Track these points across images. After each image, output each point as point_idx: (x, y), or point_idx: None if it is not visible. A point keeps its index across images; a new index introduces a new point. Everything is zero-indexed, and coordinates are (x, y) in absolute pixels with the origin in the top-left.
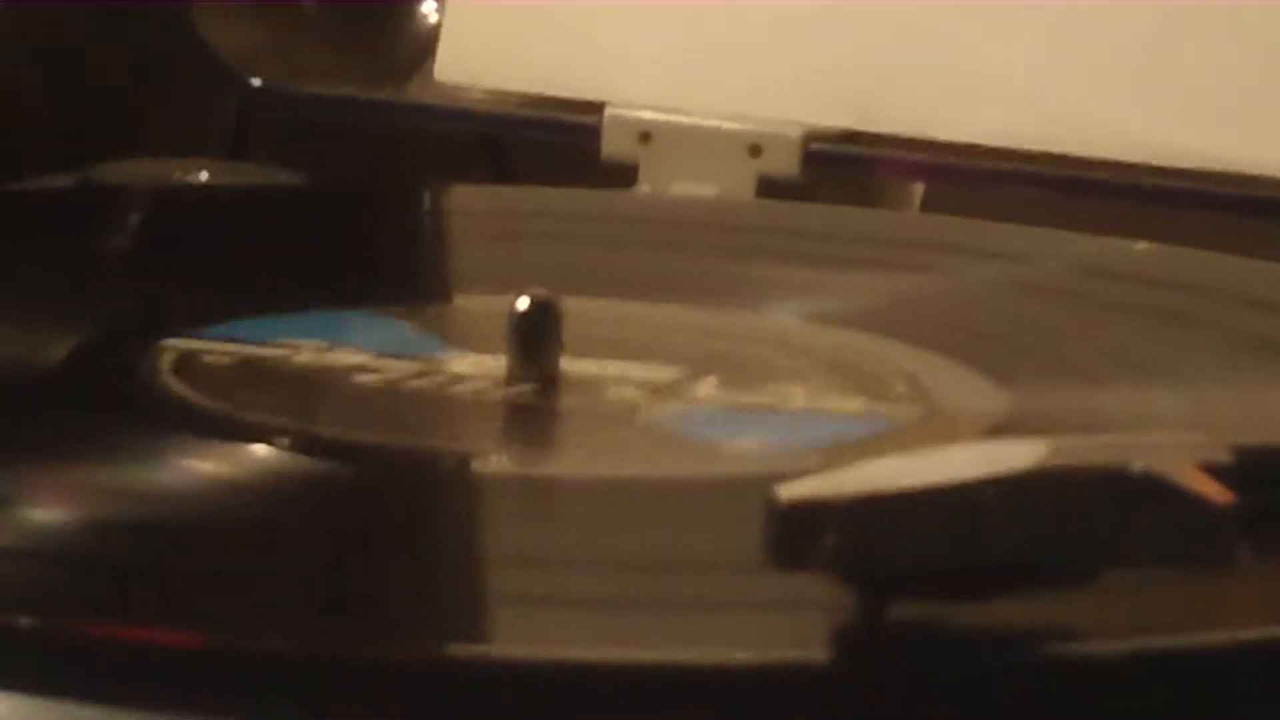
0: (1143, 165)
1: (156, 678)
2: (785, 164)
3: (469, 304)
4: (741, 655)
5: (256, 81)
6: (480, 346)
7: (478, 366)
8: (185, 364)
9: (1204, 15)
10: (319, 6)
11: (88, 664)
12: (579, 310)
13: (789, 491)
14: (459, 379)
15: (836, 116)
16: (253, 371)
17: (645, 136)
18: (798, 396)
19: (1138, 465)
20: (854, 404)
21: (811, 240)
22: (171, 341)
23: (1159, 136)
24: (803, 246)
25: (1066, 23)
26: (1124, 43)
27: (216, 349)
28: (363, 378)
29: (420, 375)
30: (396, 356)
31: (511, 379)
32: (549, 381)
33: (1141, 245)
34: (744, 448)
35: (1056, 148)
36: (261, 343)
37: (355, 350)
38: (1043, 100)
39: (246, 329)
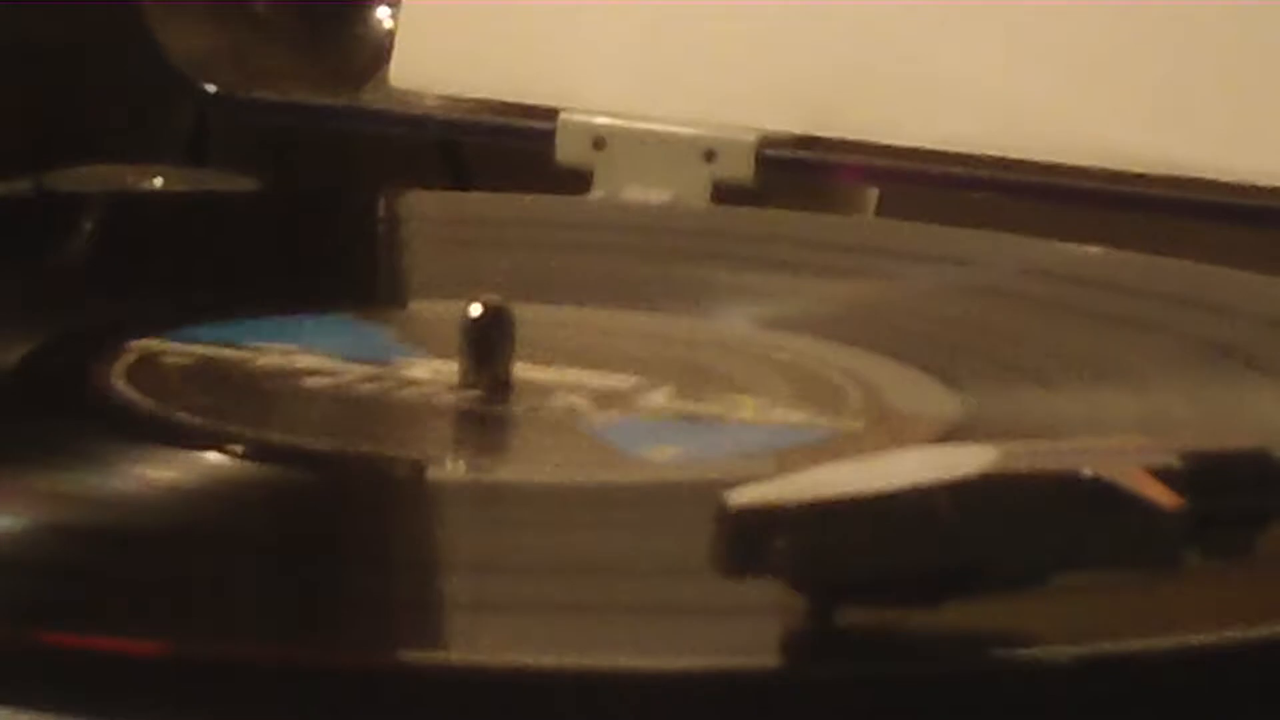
0: (1099, 170)
1: (106, 685)
2: (740, 169)
3: (424, 309)
4: (692, 661)
5: (212, 88)
6: (434, 351)
7: (431, 372)
8: (140, 370)
9: (1160, 20)
10: (275, 12)
11: (41, 672)
12: (533, 316)
13: (739, 498)
14: (412, 384)
15: (791, 122)
16: (207, 377)
17: (600, 142)
18: (748, 405)
19: (1088, 470)
20: (801, 415)
21: (766, 245)
22: (127, 346)
23: (1115, 141)
24: (757, 252)
25: (1022, 28)
26: (1080, 48)
27: (171, 352)
28: (316, 382)
29: (373, 380)
30: (351, 360)
31: (464, 385)
32: (501, 388)
33: (1094, 250)
34: (658, 458)
35: (1012, 152)
36: (217, 344)
37: (310, 353)
38: (998, 105)
39: (202, 332)
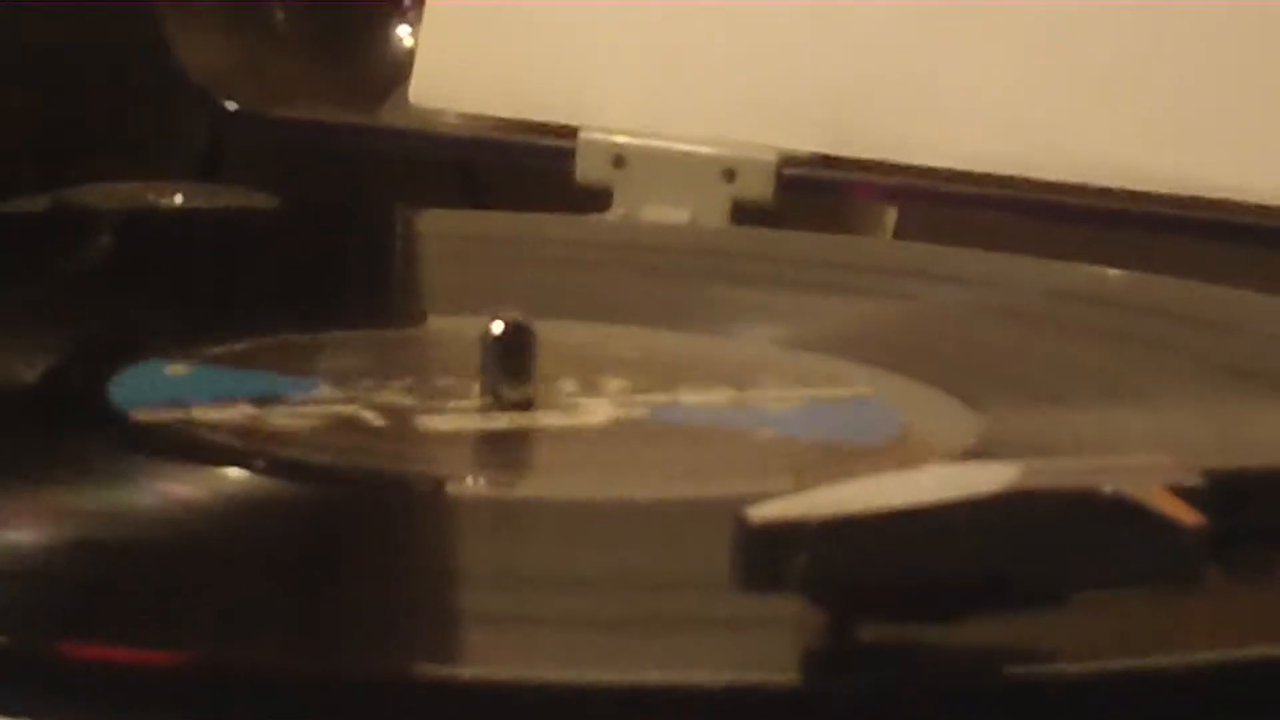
0: (1117, 190)
1: (124, 697)
2: (759, 188)
3: (442, 327)
4: (712, 676)
5: (231, 105)
6: (454, 370)
7: (451, 390)
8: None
9: (1176, 40)
10: (294, 29)
11: (56, 683)
12: (553, 334)
13: (759, 513)
14: (433, 404)
15: (811, 141)
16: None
17: (619, 160)
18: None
19: (1108, 487)
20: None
21: (785, 266)
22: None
23: (1133, 160)
24: (776, 272)
25: (1041, 47)
26: (1099, 67)
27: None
28: (336, 407)
29: (393, 398)
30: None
31: (485, 402)
32: (523, 404)
33: (1114, 272)
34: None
35: (1031, 172)
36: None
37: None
38: (1017, 124)
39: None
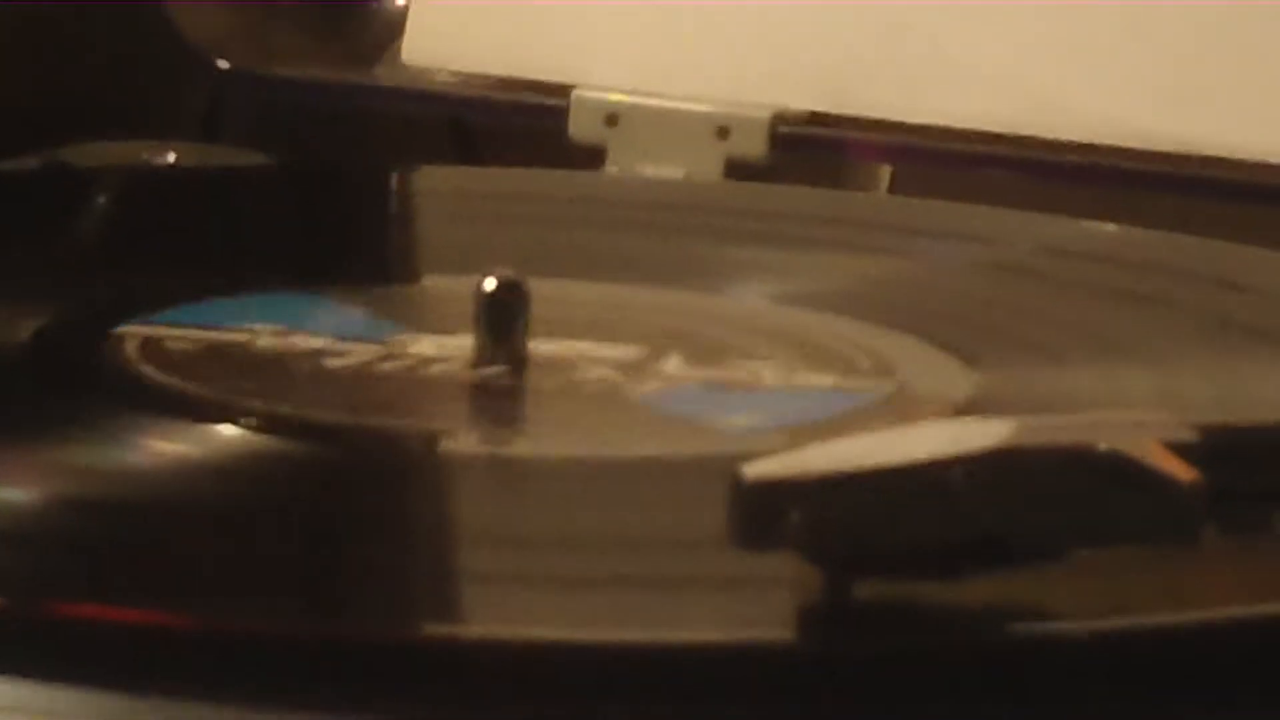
0: (1114, 148)
1: (127, 658)
2: (753, 146)
3: (436, 284)
4: (708, 635)
5: (226, 65)
6: (447, 327)
7: (445, 347)
8: (152, 346)
9: None
10: None
11: (55, 644)
12: (546, 292)
13: (754, 470)
14: (426, 360)
15: (805, 99)
16: (219, 354)
17: (612, 119)
18: (766, 376)
19: (1104, 444)
20: (826, 379)
21: (779, 222)
22: (136, 325)
23: (1129, 119)
24: (770, 228)
25: (1038, 6)
26: (1095, 25)
27: (181, 334)
28: (330, 361)
29: (387, 357)
30: (360, 340)
31: (479, 359)
32: (517, 362)
33: (1109, 226)
34: (736, 425)
35: (1026, 130)
36: (224, 328)
37: (317, 335)
38: (1013, 83)
39: (208, 312)
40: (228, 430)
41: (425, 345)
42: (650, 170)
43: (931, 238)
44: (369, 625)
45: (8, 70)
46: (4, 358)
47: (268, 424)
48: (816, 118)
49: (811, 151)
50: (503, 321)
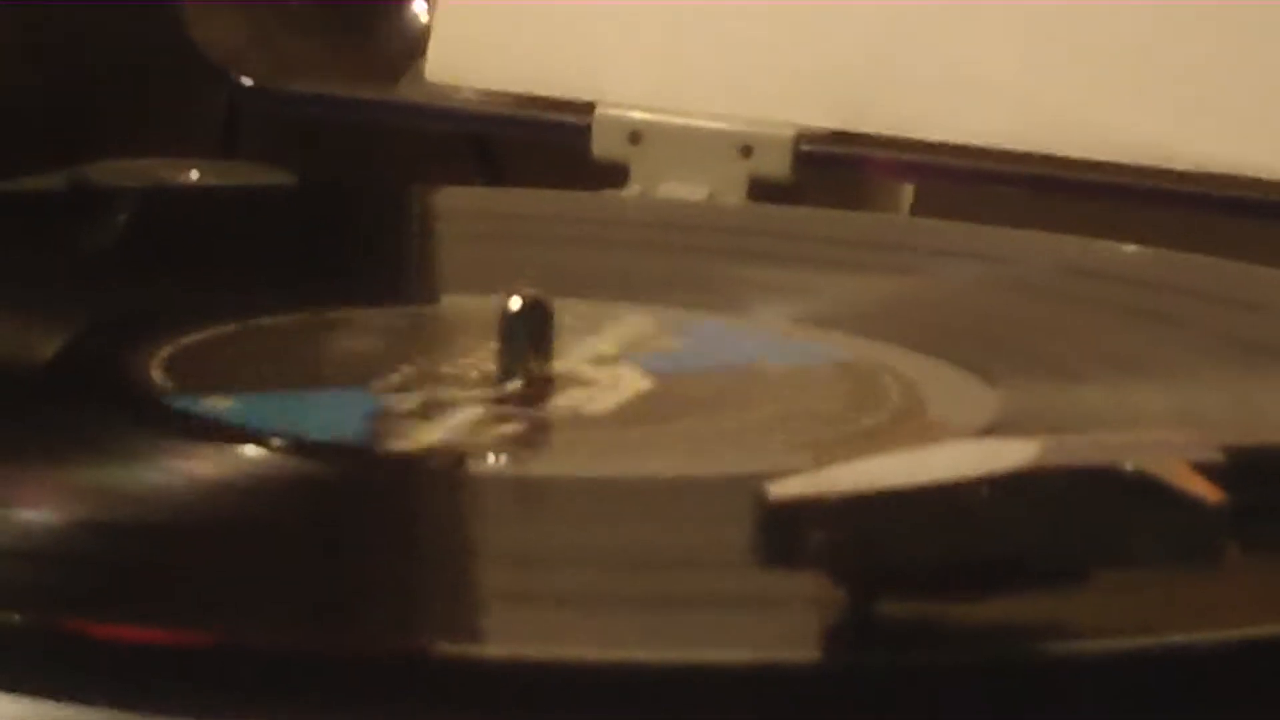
0: (1134, 166)
1: (141, 676)
2: (776, 165)
3: (459, 304)
4: (732, 654)
5: (247, 81)
6: (470, 346)
7: (467, 366)
8: (175, 363)
9: (1193, 16)
10: (309, 6)
11: (73, 661)
12: (570, 311)
13: (779, 490)
14: (449, 379)
15: (828, 117)
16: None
17: (636, 137)
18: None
19: (1129, 464)
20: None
21: (802, 242)
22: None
23: (1149, 138)
24: (793, 249)
25: (1057, 24)
26: (1114, 43)
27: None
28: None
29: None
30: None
31: (502, 378)
32: (540, 380)
33: (1130, 248)
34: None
35: (1047, 149)
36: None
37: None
38: (1034, 101)
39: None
40: (248, 449)
41: (448, 364)
42: (674, 187)
43: (953, 258)
44: (387, 643)
45: (25, 88)
46: (25, 375)
47: (287, 445)
48: (839, 136)
49: (834, 169)
50: (526, 340)
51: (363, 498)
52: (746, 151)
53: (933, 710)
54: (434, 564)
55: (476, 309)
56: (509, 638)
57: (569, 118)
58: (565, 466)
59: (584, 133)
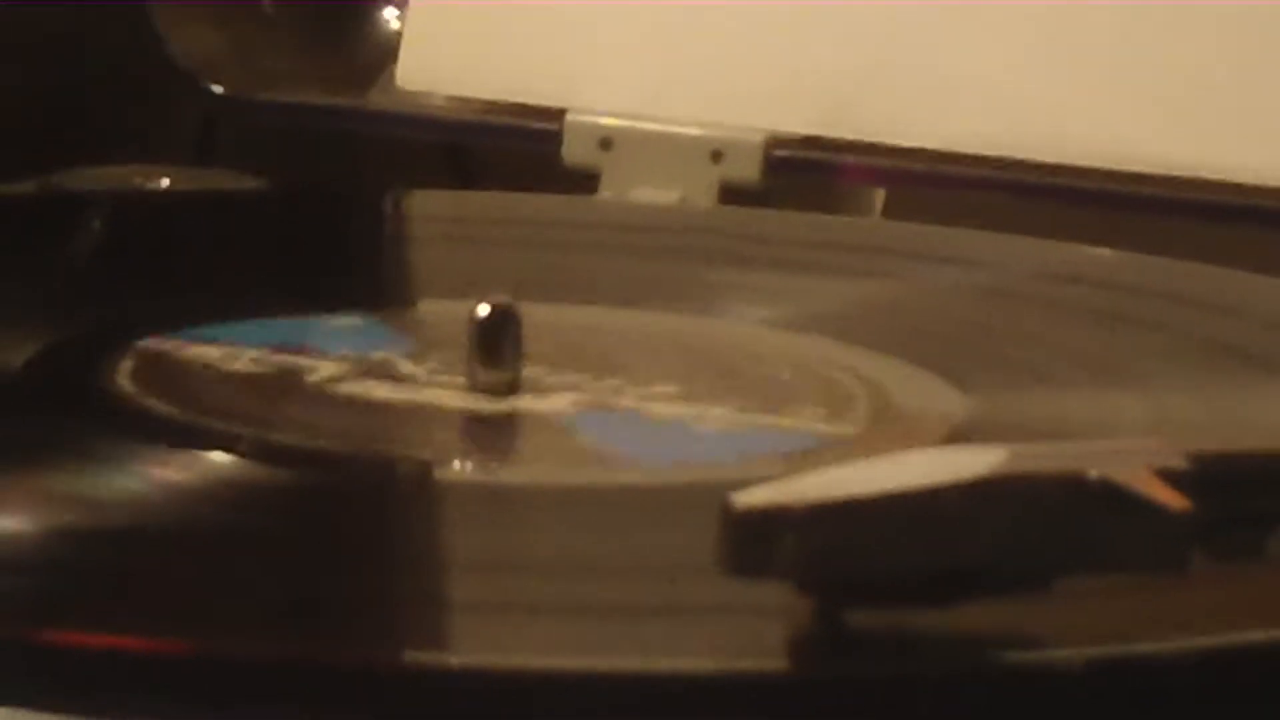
0: (1107, 171)
1: (120, 685)
2: (747, 170)
3: (430, 309)
4: (698, 663)
5: (219, 89)
6: (440, 352)
7: (437, 372)
8: (147, 370)
9: (1172, 21)
10: (281, 13)
11: (47, 671)
12: (540, 316)
13: (745, 498)
14: (419, 385)
15: (799, 123)
16: (215, 378)
17: (606, 143)
18: (753, 408)
19: (1095, 472)
20: (803, 419)
21: (773, 246)
22: (133, 346)
23: (1123, 142)
24: (764, 252)
25: (1032, 29)
26: (1088, 48)
27: (177, 353)
28: (322, 386)
29: (380, 381)
30: (356, 363)
31: (471, 385)
32: (510, 387)
33: (1102, 251)
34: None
35: (1020, 153)
36: (216, 342)
37: (313, 355)
38: (1006, 106)
39: (205, 333)
40: (221, 457)
41: (417, 370)
42: (645, 194)
43: (925, 262)
44: (360, 652)
45: (2, 95)
46: None
47: (260, 451)
48: (810, 141)
49: (805, 175)
50: (496, 347)
51: (334, 505)
52: (717, 157)
53: (901, 717)
54: (402, 573)
55: (448, 313)
56: (473, 648)
57: (540, 124)
58: (531, 474)
59: (555, 139)
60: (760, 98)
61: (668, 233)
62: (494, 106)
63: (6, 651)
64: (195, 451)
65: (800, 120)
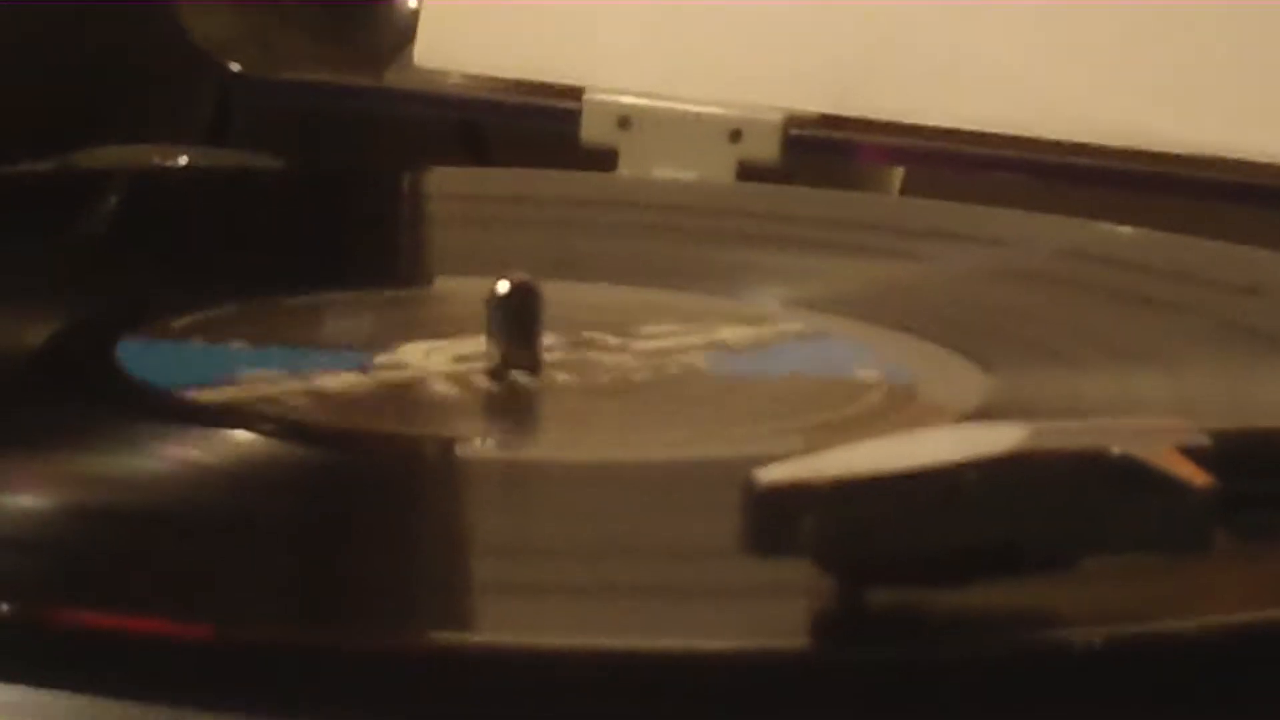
0: (1125, 150)
1: (134, 665)
2: (765, 149)
3: (448, 287)
4: (721, 642)
5: (236, 68)
6: (460, 330)
7: (457, 351)
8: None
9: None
10: None
11: (64, 651)
12: (559, 294)
13: (767, 476)
14: (438, 363)
15: (817, 101)
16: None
17: (625, 122)
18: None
19: (1117, 449)
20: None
21: (792, 224)
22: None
23: (1141, 121)
24: (783, 230)
25: (1050, 7)
26: (1107, 27)
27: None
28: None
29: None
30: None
31: (491, 363)
32: (530, 365)
33: (1123, 229)
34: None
35: (1038, 132)
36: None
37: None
38: (1025, 85)
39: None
40: (238, 435)
41: (437, 349)
42: (663, 173)
43: (945, 240)
44: (379, 633)
45: (17, 75)
46: (14, 363)
47: (279, 431)
48: (828, 120)
49: (823, 154)
50: (516, 324)
51: (355, 485)
52: (735, 136)
53: (921, 697)
54: (424, 552)
55: (468, 291)
56: (498, 627)
57: (558, 103)
58: (553, 451)
59: (573, 118)
60: (779, 77)
61: (686, 211)
62: (512, 85)
63: (23, 630)
64: (214, 431)
65: (819, 99)
